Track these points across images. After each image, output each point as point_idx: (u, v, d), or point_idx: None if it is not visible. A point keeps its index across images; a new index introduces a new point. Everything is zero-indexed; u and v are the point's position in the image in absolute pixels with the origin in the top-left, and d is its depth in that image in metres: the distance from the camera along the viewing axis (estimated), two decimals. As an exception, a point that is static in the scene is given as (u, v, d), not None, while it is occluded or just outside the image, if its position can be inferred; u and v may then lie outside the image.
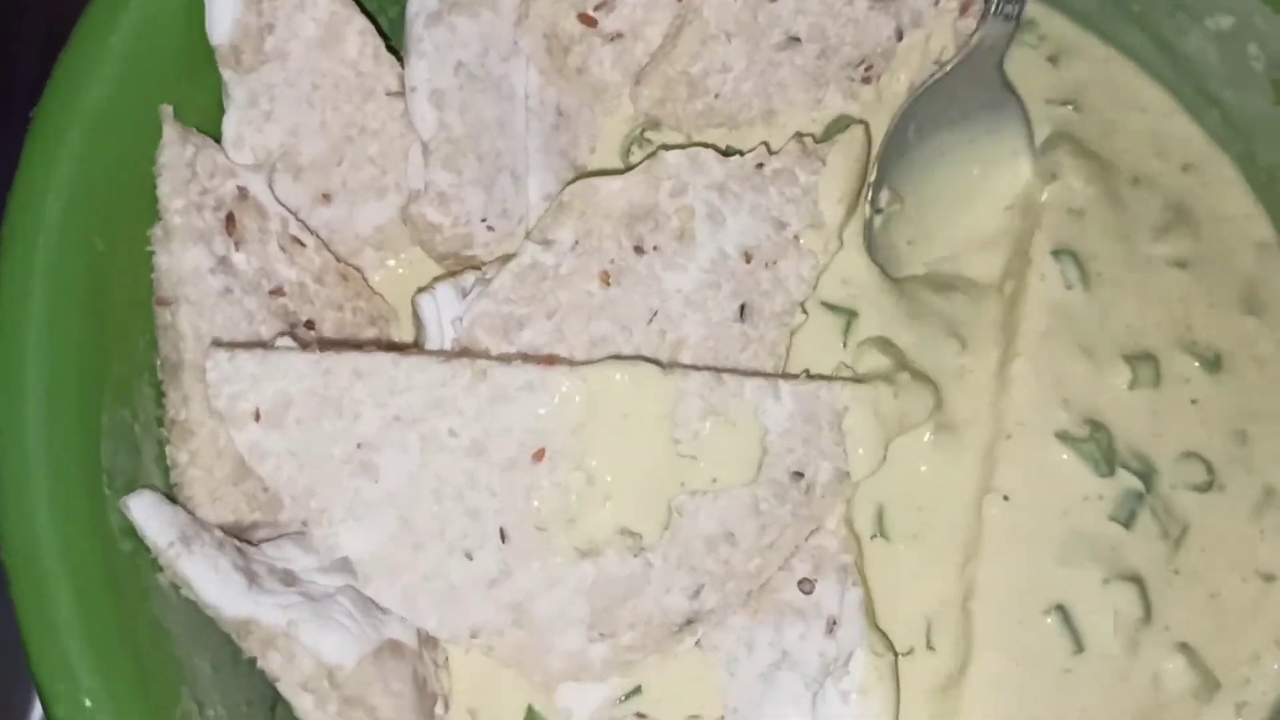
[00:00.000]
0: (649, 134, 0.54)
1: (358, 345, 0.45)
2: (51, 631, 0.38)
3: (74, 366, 0.43)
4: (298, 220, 0.50)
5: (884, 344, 0.48)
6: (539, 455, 0.45)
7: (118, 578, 0.41)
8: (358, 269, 0.52)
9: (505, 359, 0.45)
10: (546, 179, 0.53)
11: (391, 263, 0.53)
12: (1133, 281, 0.48)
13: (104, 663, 0.39)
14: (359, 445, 0.44)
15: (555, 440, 0.44)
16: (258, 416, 0.43)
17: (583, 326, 0.47)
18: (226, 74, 0.48)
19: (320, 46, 0.49)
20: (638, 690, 0.47)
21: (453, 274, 0.50)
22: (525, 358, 0.45)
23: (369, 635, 0.46)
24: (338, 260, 0.51)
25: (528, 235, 0.48)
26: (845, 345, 0.49)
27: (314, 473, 0.43)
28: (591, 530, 0.45)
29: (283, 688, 0.44)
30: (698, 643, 0.47)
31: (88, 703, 0.38)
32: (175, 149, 0.46)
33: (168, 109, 0.46)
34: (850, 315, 0.49)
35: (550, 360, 0.45)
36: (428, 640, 0.48)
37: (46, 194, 0.43)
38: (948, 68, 0.52)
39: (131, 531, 0.43)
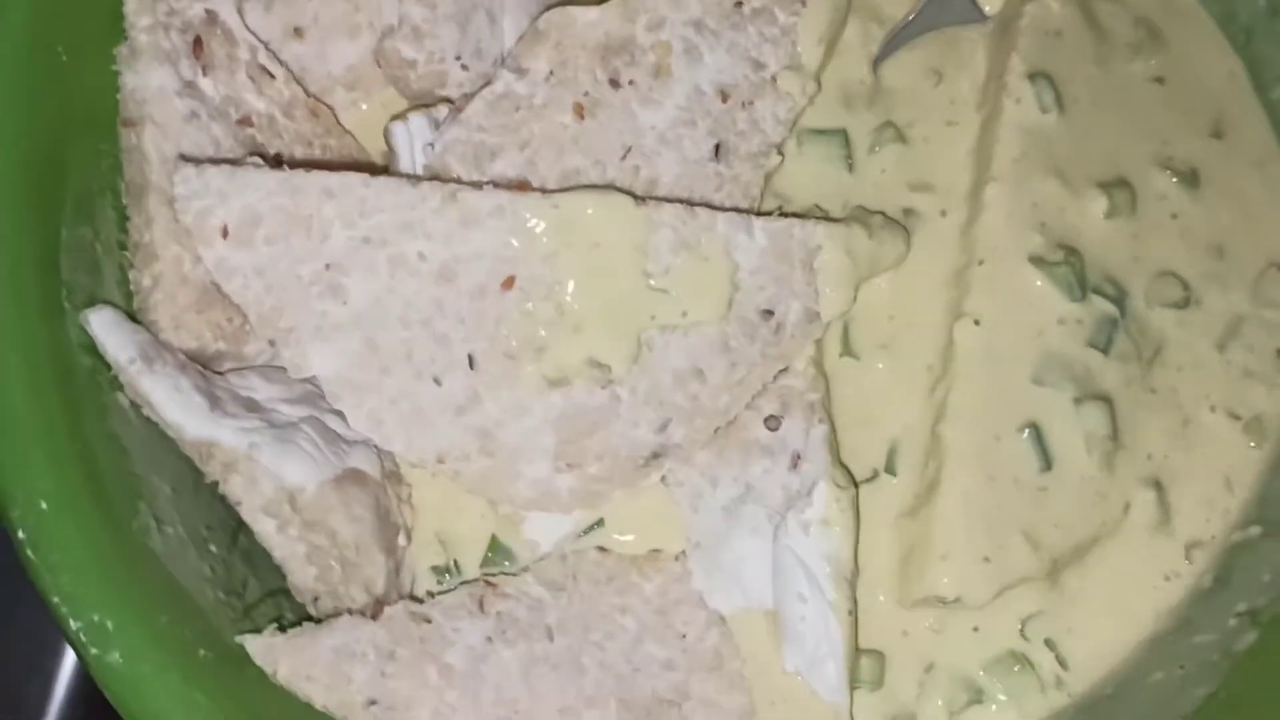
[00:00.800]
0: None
1: (328, 166, 0.45)
2: (7, 434, 0.38)
3: (33, 174, 0.42)
4: (268, 50, 0.49)
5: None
6: (508, 283, 0.44)
7: (76, 391, 0.41)
8: (329, 107, 0.51)
9: (476, 185, 0.44)
10: (521, 20, 0.52)
11: (365, 106, 0.52)
12: (1109, 103, 0.48)
13: (59, 468, 0.38)
14: (327, 266, 0.43)
15: (525, 268, 0.44)
16: (225, 233, 0.42)
17: (555, 159, 0.47)
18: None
19: None
20: (600, 523, 0.47)
21: (426, 106, 0.49)
22: (496, 185, 0.45)
23: (331, 462, 0.46)
24: (308, 95, 0.50)
25: (502, 63, 0.48)
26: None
27: (281, 293, 0.43)
28: (560, 360, 0.44)
29: (244, 511, 0.44)
30: (663, 478, 0.47)
31: (43, 505, 0.38)
32: (137, -33, 0.45)
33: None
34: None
35: (522, 187, 0.45)
36: (391, 474, 0.48)
37: (12, -4, 0.42)
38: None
39: (92, 348, 0.42)
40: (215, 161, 0.43)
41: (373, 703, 0.42)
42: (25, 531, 0.37)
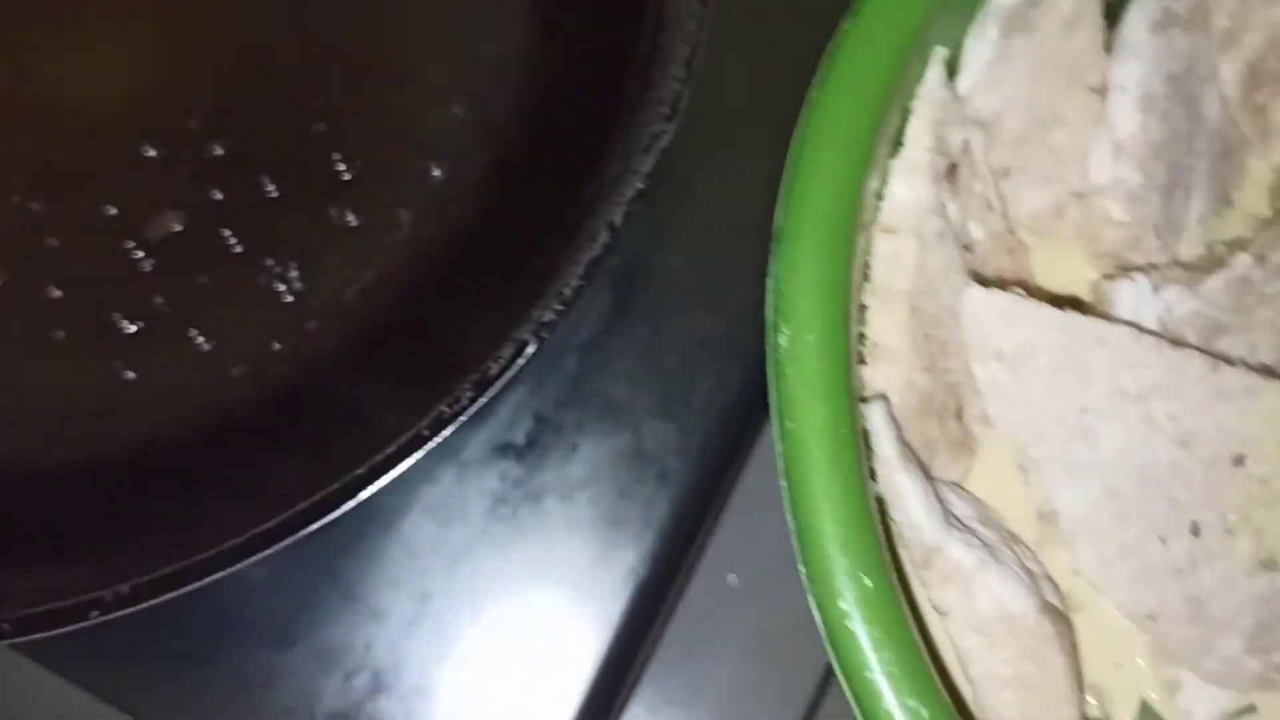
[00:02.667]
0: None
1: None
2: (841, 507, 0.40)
3: (839, 276, 0.45)
4: (995, 184, 0.51)
5: None
6: (1238, 460, 0.45)
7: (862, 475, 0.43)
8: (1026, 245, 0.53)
9: (1231, 361, 0.46)
10: (1202, 203, 0.54)
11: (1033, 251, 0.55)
12: None
13: (877, 547, 0.40)
14: (1084, 409, 0.45)
15: (1257, 450, 0.45)
16: (1002, 356, 0.44)
17: (1272, 346, 0.48)
18: (990, 32, 0.50)
19: (1064, 28, 0.51)
20: (1252, 709, 0.47)
21: (1137, 269, 0.51)
22: (1244, 363, 0.46)
23: (1035, 591, 0.47)
24: (1009, 232, 0.53)
25: (1242, 249, 0.49)
26: None
27: (1039, 424, 0.45)
28: (1275, 546, 0.45)
29: (950, 623, 0.45)
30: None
31: (867, 582, 0.39)
32: (935, 90, 0.48)
33: (942, 51, 0.48)
34: None
35: (1268, 371, 0.46)
36: (1061, 614, 0.49)
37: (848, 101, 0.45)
38: None
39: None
40: (1000, 287, 0.45)
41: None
42: (847, 605, 0.39)
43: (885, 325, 0.47)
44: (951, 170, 0.49)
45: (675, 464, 0.57)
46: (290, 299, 0.53)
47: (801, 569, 0.40)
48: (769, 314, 0.42)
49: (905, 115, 0.48)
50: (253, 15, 0.55)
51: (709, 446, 0.58)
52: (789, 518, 0.41)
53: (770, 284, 0.42)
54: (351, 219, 0.54)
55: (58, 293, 0.53)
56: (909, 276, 0.47)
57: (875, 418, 0.43)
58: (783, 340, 0.41)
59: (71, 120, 0.55)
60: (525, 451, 0.56)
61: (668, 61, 0.44)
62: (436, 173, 0.54)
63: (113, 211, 0.54)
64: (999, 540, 0.46)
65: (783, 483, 0.41)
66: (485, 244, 0.49)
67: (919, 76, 0.48)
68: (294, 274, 0.53)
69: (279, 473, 0.46)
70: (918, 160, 0.47)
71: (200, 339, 0.53)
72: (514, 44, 0.53)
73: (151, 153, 0.54)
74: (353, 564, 0.54)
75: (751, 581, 0.57)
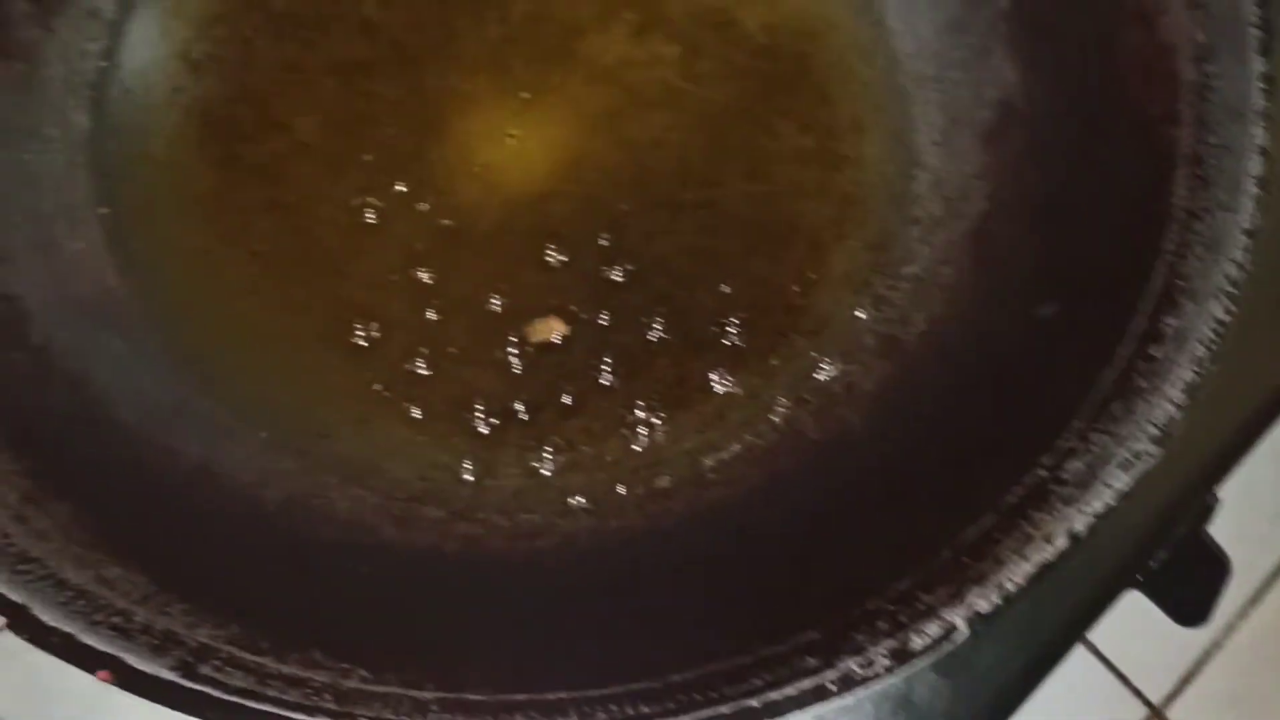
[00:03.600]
0: None
1: None
2: None
3: None
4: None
5: None
6: None
7: None
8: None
9: None
10: None
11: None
12: None
13: None
14: None
15: None
16: None
17: None
18: None
19: None
20: None
21: None
22: None
23: None
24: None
25: None
26: None
27: None
28: None
29: None
30: None
31: None
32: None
33: None
34: None
35: None
36: None
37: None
38: None
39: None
40: None
41: None
42: None
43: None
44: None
45: (942, 726, 0.54)
46: (645, 446, 0.51)
47: None
48: None
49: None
50: (703, 156, 0.54)
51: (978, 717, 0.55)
52: None
53: None
54: (728, 386, 0.52)
55: (424, 368, 0.51)
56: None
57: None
58: None
59: (485, 202, 0.54)
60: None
61: (1171, 364, 0.42)
62: (826, 369, 0.52)
63: (499, 303, 0.52)
64: None
65: None
66: (888, 481, 0.47)
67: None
68: (657, 421, 0.52)
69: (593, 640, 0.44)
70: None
71: (548, 456, 0.51)
72: (955, 268, 0.52)
73: (555, 258, 0.53)
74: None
75: None
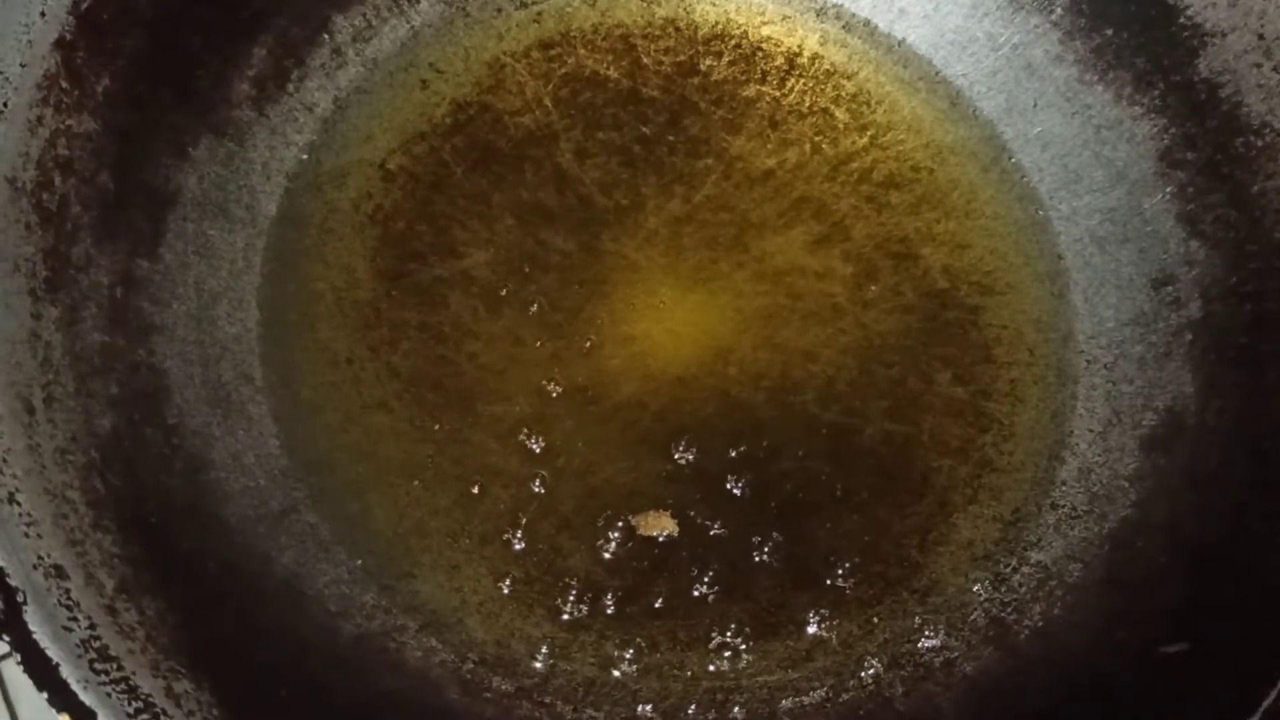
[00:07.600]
0: None
1: None
2: None
3: None
4: None
5: None
6: None
7: None
8: None
9: None
10: None
11: None
12: None
13: None
14: None
15: None
16: None
17: None
18: None
19: None
20: None
21: None
22: None
23: None
24: None
25: None
26: None
27: None
28: None
29: None
30: None
31: None
32: None
33: None
34: None
35: None
36: None
37: None
38: None
39: None
40: None
41: None
42: None
43: None
44: None
45: None
46: (726, 668, 0.50)
47: None
48: None
49: None
50: (851, 382, 0.53)
51: None
52: None
53: None
54: (823, 629, 0.51)
55: (520, 542, 0.51)
56: None
57: None
58: None
59: (626, 371, 0.53)
60: None
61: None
62: (928, 638, 0.50)
63: (615, 483, 0.52)
64: None
65: None
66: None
67: None
68: (743, 647, 0.50)
69: None
70: None
71: (628, 655, 0.50)
72: (1085, 570, 0.50)
73: (680, 456, 0.52)
74: None
75: None
